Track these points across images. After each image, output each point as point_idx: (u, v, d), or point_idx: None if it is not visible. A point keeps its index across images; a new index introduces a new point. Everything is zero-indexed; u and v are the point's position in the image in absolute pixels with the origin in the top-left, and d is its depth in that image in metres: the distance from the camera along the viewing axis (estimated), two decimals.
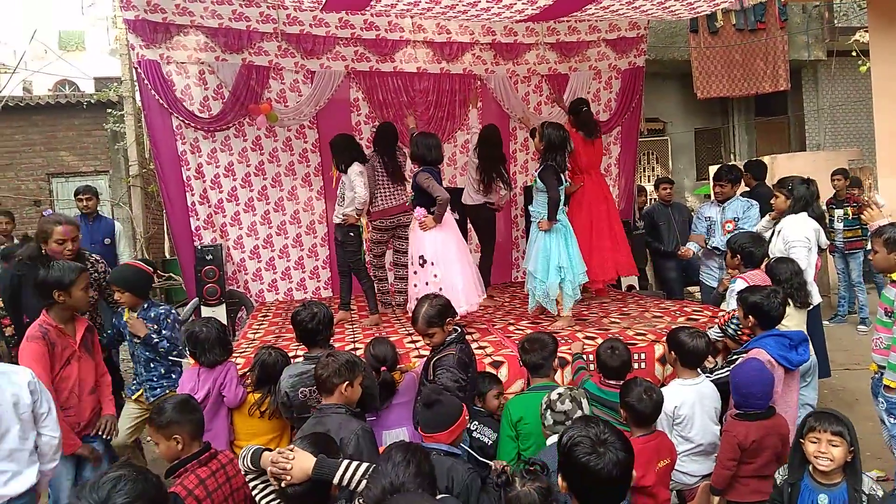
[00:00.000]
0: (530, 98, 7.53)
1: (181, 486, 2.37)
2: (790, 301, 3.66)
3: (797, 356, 3.16)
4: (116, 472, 1.68)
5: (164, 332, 3.89)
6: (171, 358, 3.92)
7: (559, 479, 1.84)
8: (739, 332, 3.42)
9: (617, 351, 3.28)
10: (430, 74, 7.07)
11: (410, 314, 4.59)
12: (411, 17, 6.63)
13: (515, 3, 5.47)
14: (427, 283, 4.58)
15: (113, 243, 6.22)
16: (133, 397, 4.01)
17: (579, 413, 2.62)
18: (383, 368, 3.20)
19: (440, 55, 7.04)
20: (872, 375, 3.28)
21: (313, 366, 2.98)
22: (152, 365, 3.94)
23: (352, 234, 5.10)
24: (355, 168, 5.08)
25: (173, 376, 3.93)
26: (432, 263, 4.65)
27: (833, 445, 2.37)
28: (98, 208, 6.35)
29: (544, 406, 2.72)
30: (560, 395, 2.71)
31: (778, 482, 2.62)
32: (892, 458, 3.30)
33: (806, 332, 3.69)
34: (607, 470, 1.73)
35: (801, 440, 2.47)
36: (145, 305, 3.94)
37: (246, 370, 3.54)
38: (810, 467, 2.48)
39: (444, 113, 7.19)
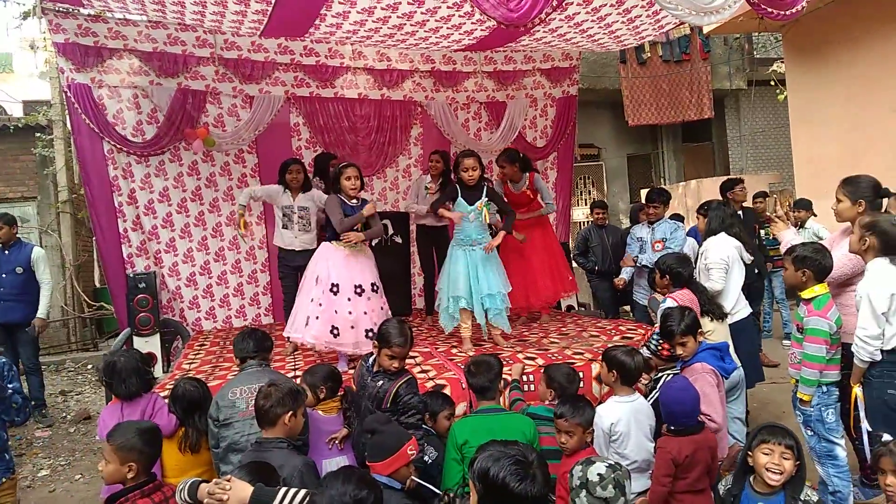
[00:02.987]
0: (470, 125, 7.68)
1: None
2: (709, 315, 3.90)
3: (728, 365, 3.38)
4: None
5: (10, 384, 3.18)
6: (16, 419, 3.22)
7: None
8: (659, 348, 3.56)
9: (576, 377, 3.47)
10: (371, 101, 7.14)
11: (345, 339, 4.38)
12: (351, 45, 6.69)
13: (452, 34, 5.61)
14: (321, 305, 4.35)
15: (27, 271, 5.94)
16: None
17: (622, 500, 2.19)
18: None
19: (381, 82, 7.12)
20: (793, 389, 3.46)
21: (255, 371, 3.17)
22: None
23: None
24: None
25: (6, 456, 3.18)
26: (322, 291, 4.39)
27: (785, 458, 2.48)
28: (19, 235, 6.08)
29: (578, 481, 2.23)
30: (602, 476, 2.20)
31: (721, 492, 2.73)
32: (814, 469, 3.46)
33: (730, 343, 3.92)
34: (540, 490, 1.77)
35: (750, 452, 2.56)
36: None
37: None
38: (751, 478, 2.59)
39: (385, 138, 7.26)
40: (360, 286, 4.39)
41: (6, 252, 5.94)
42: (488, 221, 4.86)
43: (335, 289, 4.33)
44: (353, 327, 4.29)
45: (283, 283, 5.40)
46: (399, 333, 3.24)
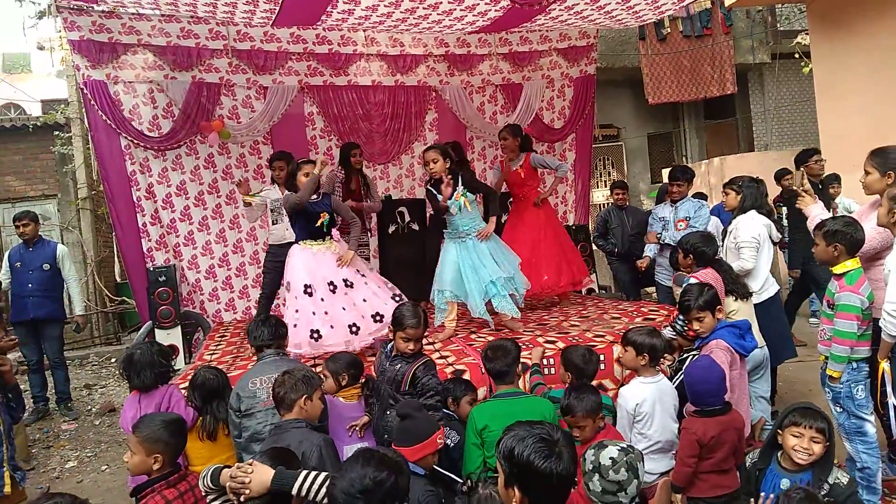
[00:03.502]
0: (485, 108, 7.58)
1: None
2: (733, 294, 3.82)
3: (748, 343, 3.30)
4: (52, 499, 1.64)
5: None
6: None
7: (514, 491, 1.75)
8: (686, 329, 3.50)
9: (592, 357, 3.41)
10: (385, 87, 7.08)
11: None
12: (364, 31, 6.64)
13: (466, 16, 5.53)
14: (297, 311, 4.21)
15: (54, 268, 6.04)
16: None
17: (634, 483, 2.12)
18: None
19: (394, 68, 7.06)
20: (821, 366, 3.37)
21: (272, 360, 3.17)
22: (11, 434, 3.16)
23: None
24: None
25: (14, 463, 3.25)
26: (295, 297, 4.25)
27: (815, 442, 2.45)
28: (40, 233, 6.16)
29: (590, 465, 2.18)
30: (614, 460, 2.14)
31: (747, 465, 2.73)
32: (842, 445, 3.38)
33: (755, 325, 3.84)
34: (566, 468, 1.73)
35: (780, 431, 2.55)
36: None
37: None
38: (779, 454, 2.58)
39: (400, 125, 7.21)
40: (332, 283, 4.20)
41: (30, 249, 6.03)
42: (471, 210, 4.65)
43: (309, 290, 4.16)
44: (332, 326, 4.11)
45: (264, 278, 5.37)
46: (412, 315, 3.27)
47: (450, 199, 4.56)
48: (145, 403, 3.23)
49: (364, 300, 4.25)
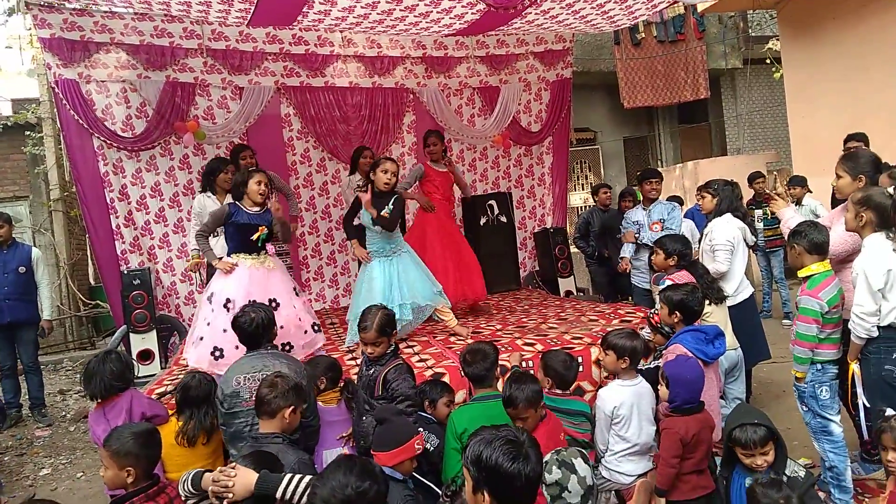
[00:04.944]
0: (463, 111, 7.60)
1: None
2: (708, 298, 3.85)
3: (713, 349, 3.28)
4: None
5: None
6: None
7: (484, 495, 1.74)
8: (671, 331, 3.53)
9: (573, 363, 3.41)
10: (362, 89, 7.06)
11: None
12: (341, 32, 6.62)
13: (443, 18, 5.55)
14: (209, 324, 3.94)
15: (29, 271, 5.93)
16: None
17: (573, 478, 2.14)
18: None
19: (372, 69, 7.04)
20: None
21: (259, 354, 3.11)
22: None
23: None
24: None
25: None
26: (212, 310, 3.95)
27: (763, 454, 2.54)
28: (13, 235, 6.03)
29: None
30: (545, 462, 2.11)
31: (717, 474, 2.81)
32: (815, 447, 3.45)
33: (729, 327, 3.89)
34: (533, 469, 1.75)
35: (731, 445, 2.63)
36: None
37: (167, 393, 3.40)
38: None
39: (377, 127, 7.19)
40: (253, 302, 3.73)
41: (4, 252, 5.90)
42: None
43: (229, 305, 3.83)
44: (237, 347, 3.64)
45: None
46: (364, 319, 3.28)
47: (381, 212, 4.44)
48: (112, 414, 3.14)
49: (281, 326, 3.74)
